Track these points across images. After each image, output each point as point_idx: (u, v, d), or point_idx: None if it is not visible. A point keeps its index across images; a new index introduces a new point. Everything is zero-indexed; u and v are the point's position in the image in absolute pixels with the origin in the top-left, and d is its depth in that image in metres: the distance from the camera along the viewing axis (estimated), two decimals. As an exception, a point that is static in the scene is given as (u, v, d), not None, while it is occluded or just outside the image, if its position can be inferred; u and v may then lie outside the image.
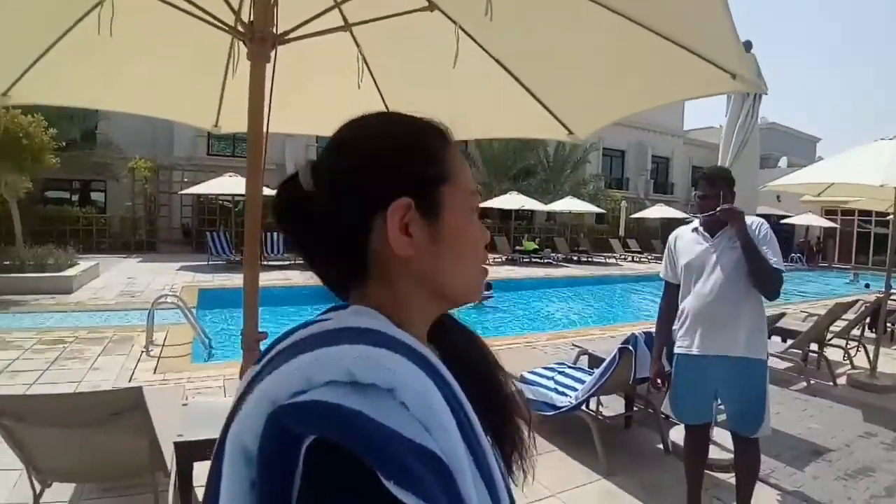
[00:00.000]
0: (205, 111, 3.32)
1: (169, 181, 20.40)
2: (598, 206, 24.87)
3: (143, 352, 6.13)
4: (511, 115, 2.94)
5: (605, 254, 23.77)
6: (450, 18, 2.38)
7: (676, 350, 3.02)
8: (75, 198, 21.56)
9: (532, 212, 26.33)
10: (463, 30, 2.41)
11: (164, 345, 6.48)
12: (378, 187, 0.62)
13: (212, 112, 3.30)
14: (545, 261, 21.69)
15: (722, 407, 3.13)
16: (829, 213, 26.22)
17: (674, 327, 3.08)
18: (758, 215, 3.14)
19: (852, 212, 26.85)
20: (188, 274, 13.70)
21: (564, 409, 3.85)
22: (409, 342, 0.56)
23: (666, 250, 3.18)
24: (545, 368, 4.68)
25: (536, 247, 22.47)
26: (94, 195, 21.84)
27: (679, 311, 3.03)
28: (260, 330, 2.20)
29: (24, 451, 2.16)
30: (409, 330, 0.59)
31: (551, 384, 4.26)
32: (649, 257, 24.63)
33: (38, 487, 2.28)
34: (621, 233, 26.21)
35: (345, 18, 2.48)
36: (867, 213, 25.82)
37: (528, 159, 26.80)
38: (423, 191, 0.64)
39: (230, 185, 16.26)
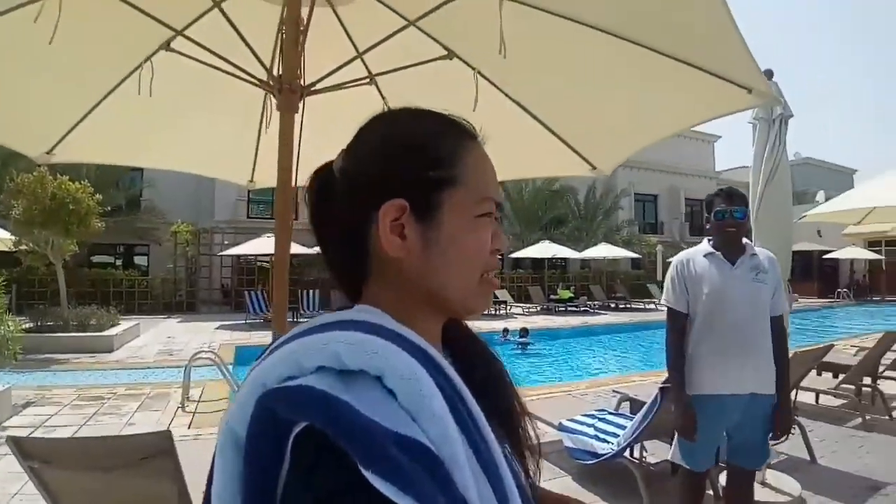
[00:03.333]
0: (240, 167, 3.47)
1: (210, 243, 21.11)
2: (633, 252, 24.49)
3: (178, 407, 6.18)
4: (533, 154, 2.98)
5: (644, 299, 23.19)
6: (468, 64, 2.46)
7: (698, 391, 2.69)
8: (119, 261, 22.50)
9: (566, 260, 26.13)
10: (481, 74, 2.48)
11: (199, 400, 6.52)
12: (379, 185, 0.63)
13: (247, 168, 3.44)
14: (581, 308, 21.30)
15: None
16: (872, 244, 25.24)
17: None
18: (796, 252, 2.98)
19: (896, 241, 25.83)
20: (226, 332, 13.93)
21: (606, 456, 3.69)
22: (406, 334, 0.55)
23: (675, 276, 2.82)
24: (585, 416, 4.52)
25: (572, 295, 22.08)
26: (138, 258, 22.78)
27: (692, 345, 2.75)
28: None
29: (51, 494, 2.16)
30: (412, 330, 0.58)
31: (591, 431, 4.11)
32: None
33: None
34: (658, 277, 25.67)
35: (368, 70, 2.59)
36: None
37: (558, 208, 26.80)
38: (423, 193, 0.63)
39: (267, 245, 16.70)
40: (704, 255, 2.78)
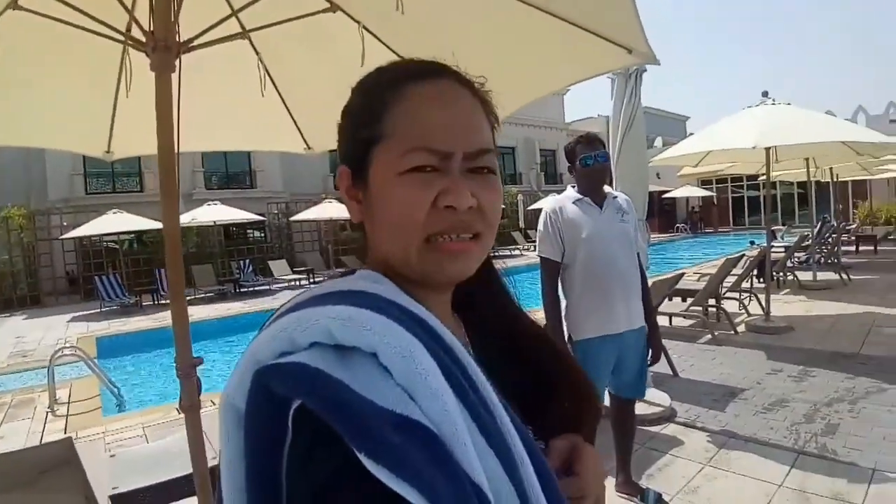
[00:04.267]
0: (93, 137, 3.08)
1: (47, 226, 18.52)
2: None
3: (48, 412, 5.59)
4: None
5: (510, 246, 24.51)
6: (352, 18, 2.38)
7: (584, 335, 2.79)
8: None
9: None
10: (367, 29, 2.41)
11: (69, 402, 5.93)
12: (341, 151, 0.66)
13: (102, 137, 3.07)
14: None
15: None
16: (704, 183, 28.56)
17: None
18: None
19: (725, 179, 29.49)
20: (81, 324, 12.62)
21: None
22: (404, 303, 0.53)
23: (549, 225, 2.83)
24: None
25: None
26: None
27: (573, 291, 2.83)
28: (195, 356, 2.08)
29: None
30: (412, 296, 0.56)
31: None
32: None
33: None
34: (521, 225, 27.17)
35: (242, 25, 2.40)
36: (738, 178, 28.51)
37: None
38: (356, 155, 0.63)
39: (115, 222, 15.18)
40: (574, 202, 2.82)
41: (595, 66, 2.17)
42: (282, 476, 0.44)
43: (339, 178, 0.63)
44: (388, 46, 2.55)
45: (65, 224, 17.96)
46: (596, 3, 1.86)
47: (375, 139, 0.61)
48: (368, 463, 0.40)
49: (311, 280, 17.53)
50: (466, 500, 0.42)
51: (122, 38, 1.95)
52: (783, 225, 13.19)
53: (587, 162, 2.75)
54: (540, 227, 2.87)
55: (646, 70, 3.97)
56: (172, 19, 1.92)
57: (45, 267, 18.63)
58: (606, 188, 2.93)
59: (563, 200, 2.86)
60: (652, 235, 27.72)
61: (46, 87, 2.61)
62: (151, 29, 1.88)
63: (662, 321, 6.61)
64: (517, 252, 23.88)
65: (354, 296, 0.52)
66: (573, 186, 2.90)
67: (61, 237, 17.04)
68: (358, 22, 2.38)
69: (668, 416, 4.17)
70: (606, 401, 3.06)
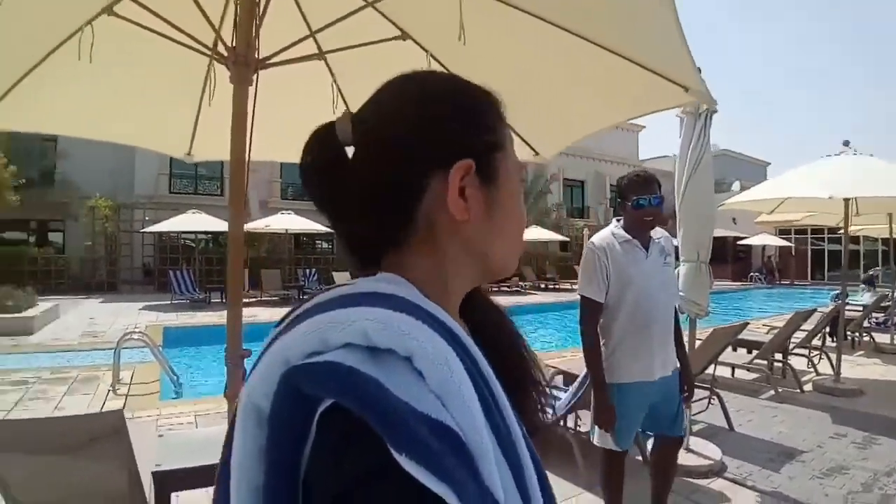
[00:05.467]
0: (177, 139, 3.35)
1: (130, 220, 20.00)
2: (562, 235, 25.34)
3: (109, 390, 5.94)
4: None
5: (572, 280, 24.02)
6: (421, 47, 2.50)
7: (621, 380, 2.71)
8: (32, 238, 20.94)
9: (498, 242, 26.67)
10: (434, 57, 2.53)
11: (131, 383, 6.28)
12: (439, 146, 0.60)
13: (185, 140, 3.33)
14: (514, 289, 21.86)
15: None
16: (783, 232, 27.26)
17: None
18: (715, 238, 3.06)
19: (805, 230, 28.03)
20: (151, 313, 13.34)
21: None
22: (433, 310, 0.53)
23: (595, 263, 2.72)
24: (521, 388, 4.70)
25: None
26: (52, 235, 21.27)
27: (613, 335, 2.74)
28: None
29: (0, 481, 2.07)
30: (439, 301, 0.56)
31: (528, 403, 4.29)
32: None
33: None
34: (586, 259, 26.71)
35: (319, 47, 2.57)
36: (819, 230, 27.03)
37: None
38: (484, 155, 0.62)
39: (193, 222, 16.08)
40: (621, 242, 2.73)
41: (651, 103, 2.20)
42: (300, 475, 0.44)
43: (459, 170, 0.59)
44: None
45: (146, 219, 19.32)
46: (650, 41, 1.89)
47: (500, 146, 0.65)
48: (408, 464, 0.39)
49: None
50: None
51: (207, 51, 2.14)
52: (866, 283, 12.34)
53: (640, 203, 2.66)
54: (586, 265, 2.76)
55: (716, 111, 3.91)
56: (254, 36, 2.10)
57: (125, 257, 20.03)
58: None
59: (610, 239, 2.75)
60: (724, 283, 26.90)
61: (137, 90, 2.87)
62: (234, 45, 2.06)
63: (724, 371, 6.35)
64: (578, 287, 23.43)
65: (386, 299, 0.51)
66: (618, 221, 2.82)
67: (142, 230, 18.30)
68: (426, 50, 2.50)
69: (717, 471, 3.99)
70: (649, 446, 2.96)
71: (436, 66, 2.53)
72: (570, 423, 4.15)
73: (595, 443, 2.81)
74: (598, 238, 2.79)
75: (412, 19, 2.44)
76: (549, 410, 0.77)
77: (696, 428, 3.78)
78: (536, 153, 2.92)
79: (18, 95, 2.42)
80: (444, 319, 0.53)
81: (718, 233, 25.92)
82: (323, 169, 0.63)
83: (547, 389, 0.75)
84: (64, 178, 19.94)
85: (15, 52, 2.29)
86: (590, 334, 2.75)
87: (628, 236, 2.73)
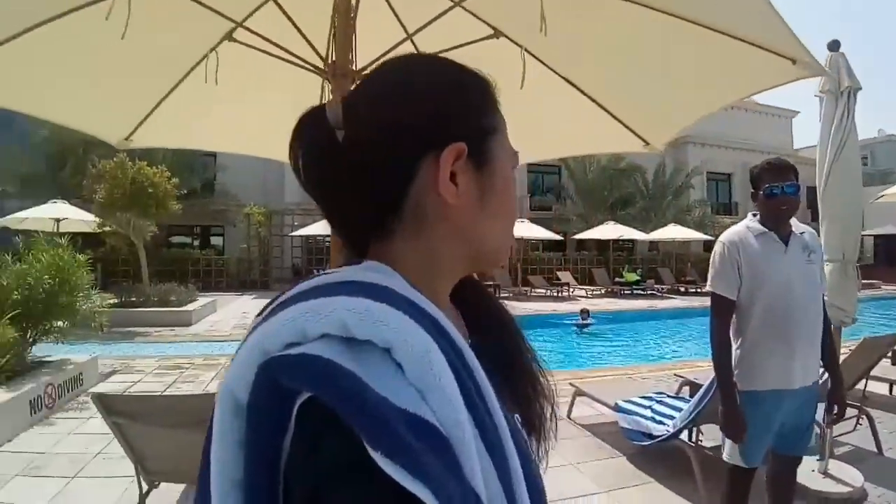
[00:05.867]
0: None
1: (281, 224, 22.15)
2: (706, 234, 23.39)
3: (253, 377, 6.61)
4: (585, 131, 2.96)
5: (714, 282, 22.22)
6: (515, 43, 2.47)
7: (754, 387, 2.46)
8: (196, 241, 24.04)
9: (633, 242, 25.42)
10: (529, 52, 2.48)
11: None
12: (430, 129, 0.59)
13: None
14: (648, 292, 20.74)
15: None
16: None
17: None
18: (881, 236, 2.66)
19: None
20: (298, 310, 14.58)
21: (661, 437, 3.66)
22: (416, 300, 0.51)
23: (726, 259, 2.51)
24: (642, 397, 4.46)
25: (638, 278, 21.45)
26: (214, 239, 24.22)
27: (747, 337, 2.49)
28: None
29: (135, 450, 2.36)
30: (427, 290, 0.54)
31: (648, 413, 4.06)
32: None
33: (144, 487, 2.47)
34: (732, 260, 24.51)
35: (417, 51, 2.64)
36: None
37: (625, 187, 25.94)
38: (476, 139, 0.60)
39: (336, 226, 17.44)
40: (756, 236, 2.50)
41: (757, 81, 2.03)
42: (280, 469, 0.43)
43: (450, 154, 0.57)
44: (550, 68, 2.59)
45: (295, 224, 21.19)
46: (744, 12, 1.71)
47: (494, 130, 0.63)
48: (383, 462, 0.38)
49: (497, 296, 18.01)
50: None
51: (310, 67, 2.29)
52: None
53: (773, 192, 2.43)
54: (715, 260, 2.56)
55: (860, 88, 3.40)
56: (352, 48, 2.20)
57: (276, 258, 22.26)
58: (793, 222, 2.56)
59: (743, 232, 2.54)
60: (880, 286, 23.29)
61: (264, 106, 3.14)
62: (333, 59, 2.18)
63: (880, 388, 5.55)
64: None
65: (369, 288, 0.50)
66: (754, 215, 2.58)
67: (291, 234, 20.15)
68: (520, 46, 2.45)
69: (856, 499, 3.48)
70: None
71: (531, 63, 2.48)
72: (692, 438, 3.83)
73: (724, 458, 2.57)
74: (729, 231, 2.60)
75: (503, 16, 2.42)
76: (551, 407, 0.71)
77: (839, 450, 3.31)
78: (647, 143, 2.76)
79: (160, 116, 2.77)
80: (427, 309, 0.51)
81: (888, 230, 22.62)
82: (313, 153, 0.61)
83: (545, 381, 0.71)
84: (223, 189, 22.52)
85: (153, 80, 2.62)
86: (718, 333, 2.52)
87: (764, 228, 2.49)
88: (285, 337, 0.46)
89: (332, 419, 0.40)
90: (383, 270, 0.55)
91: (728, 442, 2.52)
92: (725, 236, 2.58)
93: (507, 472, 0.49)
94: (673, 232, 21.90)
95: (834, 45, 3.51)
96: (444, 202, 0.58)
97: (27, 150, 18.69)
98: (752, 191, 2.57)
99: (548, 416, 0.70)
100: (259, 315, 0.54)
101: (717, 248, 2.58)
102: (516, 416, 0.65)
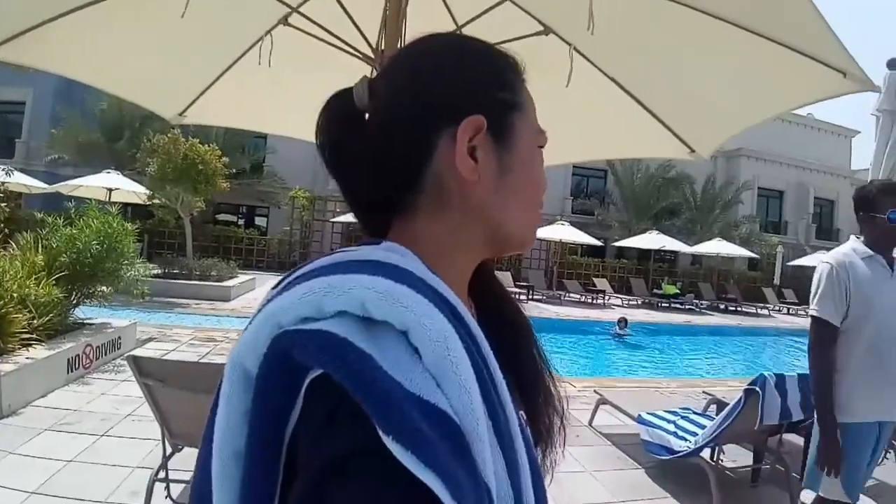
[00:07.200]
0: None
1: (324, 210, 22.56)
2: (752, 251, 22.63)
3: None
4: (630, 134, 2.92)
5: (757, 303, 21.51)
6: (564, 40, 2.46)
7: (856, 418, 2.35)
8: (241, 220, 24.67)
9: (675, 253, 24.84)
10: (577, 51, 2.47)
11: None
12: (448, 101, 0.58)
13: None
14: (686, 306, 20.23)
15: None
16: None
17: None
18: None
19: None
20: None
21: (681, 453, 3.59)
22: (436, 285, 0.50)
23: (835, 282, 2.39)
24: (667, 412, 4.38)
25: (678, 291, 20.91)
26: (258, 219, 24.79)
27: (849, 365, 2.38)
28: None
29: (162, 413, 2.46)
30: (446, 274, 0.53)
31: (671, 427, 3.99)
32: (808, 310, 21.89)
33: (168, 449, 2.56)
34: (776, 281, 23.64)
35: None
36: None
37: (672, 197, 25.24)
38: (497, 114, 0.59)
39: (376, 214, 17.84)
40: (863, 259, 2.40)
41: (807, 93, 1.99)
42: (283, 442, 0.43)
43: (468, 126, 0.56)
44: (598, 67, 2.57)
45: (337, 210, 21.53)
46: (795, 22, 1.67)
47: (517, 106, 0.61)
48: (395, 447, 0.38)
49: (529, 297, 17.99)
50: (481, 499, 0.41)
51: (359, 55, 2.33)
52: None
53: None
54: (823, 282, 2.44)
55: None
56: (402, 37, 2.23)
57: (316, 242, 22.67)
58: None
59: (851, 255, 2.44)
60: None
61: (315, 91, 3.22)
62: (383, 48, 2.22)
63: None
64: (765, 312, 20.88)
65: (390, 269, 0.49)
66: (858, 238, 2.48)
67: (332, 220, 20.52)
68: (569, 44, 2.44)
69: None
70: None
71: (579, 61, 2.47)
72: (714, 456, 3.75)
73: (820, 493, 2.42)
74: (835, 253, 2.50)
75: (552, 13, 2.41)
76: (556, 420, 0.68)
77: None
78: (692, 150, 2.71)
79: (214, 95, 2.87)
80: (446, 295, 0.50)
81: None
82: (337, 134, 0.61)
83: (556, 392, 0.69)
84: (271, 171, 23.00)
85: (208, 58, 2.71)
86: (819, 360, 2.42)
87: (871, 252, 2.41)
88: (301, 311, 0.45)
89: (344, 399, 0.40)
90: (403, 252, 0.54)
91: (825, 476, 2.36)
92: (832, 257, 2.46)
93: (515, 467, 0.49)
94: (717, 247, 21.24)
95: (893, 64, 3.37)
96: (463, 180, 0.56)
97: (86, 120, 19.49)
98: (862, 213, 2.44)
99: (556, 428, 0.68)
100: (274, 288, 0.53)
101: (822, 268, 2.46)
102: (521, 412, 0.63)
